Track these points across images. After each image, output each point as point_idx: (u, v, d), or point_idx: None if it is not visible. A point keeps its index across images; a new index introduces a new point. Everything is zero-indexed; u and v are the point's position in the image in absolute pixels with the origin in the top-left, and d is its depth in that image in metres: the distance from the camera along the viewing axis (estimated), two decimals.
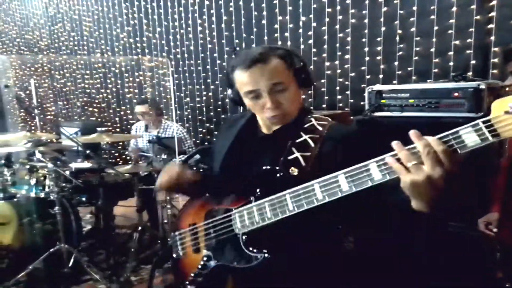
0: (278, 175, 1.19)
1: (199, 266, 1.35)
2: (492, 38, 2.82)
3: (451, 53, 2.98)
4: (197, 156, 3.66)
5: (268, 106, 1.23)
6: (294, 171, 1.18)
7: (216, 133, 4.72)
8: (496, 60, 2.81)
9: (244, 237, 1.23)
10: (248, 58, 1.23)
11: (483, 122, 0.83)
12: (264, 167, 1.22)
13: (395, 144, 0.91)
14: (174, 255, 1.47)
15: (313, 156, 1.19)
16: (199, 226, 1.36)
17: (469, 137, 0.85)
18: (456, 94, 2.29)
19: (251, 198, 1.21)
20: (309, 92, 3.74)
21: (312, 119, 1.29)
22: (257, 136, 1.36)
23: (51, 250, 2.96)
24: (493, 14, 2.81)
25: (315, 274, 1.23)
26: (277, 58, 1.23)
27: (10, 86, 5.18)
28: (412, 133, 0.88)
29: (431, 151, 0.85)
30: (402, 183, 0.89)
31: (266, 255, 1.18)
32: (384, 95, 2.54)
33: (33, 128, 6.22)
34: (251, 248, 1.21)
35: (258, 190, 1.20)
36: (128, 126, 5.58)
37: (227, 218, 1.27)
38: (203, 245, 1.35)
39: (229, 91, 1.36)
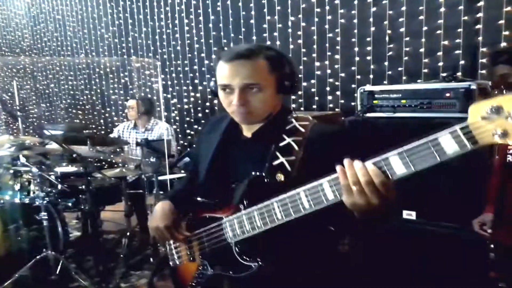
0: (265, 181, 1.17)
1: (196, 275, 1.35)
2: (480, 38, 2.86)
3: (440, 53, 3.01)
4: (187, 159, 3.64)
5: (234, 103, 1.19)
6: (280, 177, 1.16)
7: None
8: (484, 60, 2.85)
9: (237, 246, 1.22)
10: (233, 52, 1.20)
11: (461, 129, 0.82)
12: (251, 174, 1.20)
13: (346, 162, 0.95)
14: (171, 263, 1.47)
15: (298, 160, 1.17)
16: (192, 234, 1.35)
17: (448, 144, 0.84)
18: (447, 94, 2.31)
19: (240, 206, 1.20)
20: (300, 92, 3.74)
21: (293, 120, 1.26)
22: (240, 140, 1.34)
23: (38, 257, 2.90)
24: (480, 14, 2.85)
25: (311, 279, 1.22)
26: (262, 59, 1.19)
27: None
28: (347, 162, 0.94)
29: (370, 182, 0.91)
30: (344, 199, 0.96)
31: (261, 263, 1.17)
32: (376, 95, 2.54)
33: (15, 131, 6.07)
34: (244, 257, 1.20)
35: (246, 198, 1.20)
36: (113, 128, 5.50)
37: (218, 227, 1.26)
38: (197, 254, 1.35)
39: (212, 82, 1.34)
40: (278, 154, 1.19)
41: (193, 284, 1.35)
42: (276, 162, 1.18)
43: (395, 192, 0.93)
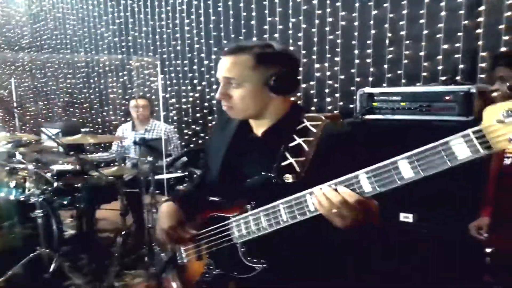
0: (273, 182, 1.16)
1: (203, 274, 1.34)
2: (480, 42, 2.85)
3: (440, 57, 3.00)
4: (184, 159, 3.62)
5: (216, 96, 1.26)
6: (288, 178, 1.15)
7: (202, 135, 4.65)
8: (484, 64, 2.84)
9: (242, 247, 1.21)
10: (228, 47, 1.27)
11: (474, 133, 0.78)
12: (258, 174, 1.20)
13: (316, 191, 1.02)
14: (178, 261, 1.46)
15: (307, 161, 1.16)
16: (199, 233, 1.35)
17: (460, 149, 0.81)
18: (447, 97, 2.31)
19: (248, 206, 1.20)
20: (298, 94, 3.73)
21: (305, 120, 1.24)
22: (249, 138, 1.33)
23: (31, 255, 2.87)
24: (481, 19, 2.84)
25: (316, 279, 1.21)
26: (248, 55, 1.21)
27: None
28: (318, 192, 1.02)
29: (344, 202, 0.97)
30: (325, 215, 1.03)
31: (265, 265, 1.17)
32: (375, 97, 2.54)
33: (12, 128, 6.04)
34: (249, 258, 1.20)
35: (254, 198, 1.19)
36: (111, 128, 5.47)
37: (225, 226, 1.25)
38: (204, 253, 1.35)
39: None
40: (287, 154, 1.18)
41: (200, 282, 1.35)
42: (285, 163, 1.17)
43: (373, 202, 1.00)
